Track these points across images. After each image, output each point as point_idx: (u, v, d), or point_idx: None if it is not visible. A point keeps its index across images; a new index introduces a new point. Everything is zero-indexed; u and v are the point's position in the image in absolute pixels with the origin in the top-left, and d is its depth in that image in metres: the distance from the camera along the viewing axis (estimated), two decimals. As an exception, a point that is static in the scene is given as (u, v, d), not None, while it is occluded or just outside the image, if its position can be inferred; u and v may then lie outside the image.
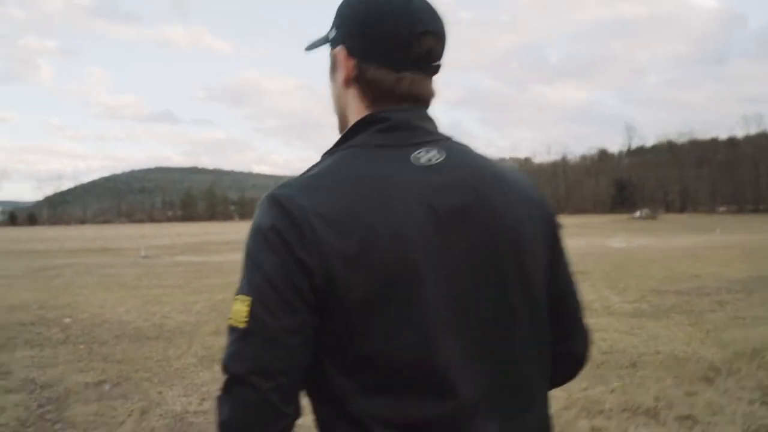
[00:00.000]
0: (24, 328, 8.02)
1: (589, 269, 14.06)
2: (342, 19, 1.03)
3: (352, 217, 0.87)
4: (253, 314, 0.86)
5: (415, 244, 0.88)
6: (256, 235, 0.90)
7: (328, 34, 1.06)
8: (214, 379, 5.45)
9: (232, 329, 0.88)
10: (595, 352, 6.07)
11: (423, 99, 1.02)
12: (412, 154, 0.94)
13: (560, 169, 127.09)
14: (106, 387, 5.31)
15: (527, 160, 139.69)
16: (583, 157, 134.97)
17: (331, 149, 1.00)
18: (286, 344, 0.86)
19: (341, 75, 1.01)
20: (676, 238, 31.75)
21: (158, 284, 13.11)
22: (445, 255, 0.91)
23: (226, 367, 0.87)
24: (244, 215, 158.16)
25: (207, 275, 15.01)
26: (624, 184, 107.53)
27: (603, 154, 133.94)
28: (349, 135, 0.99)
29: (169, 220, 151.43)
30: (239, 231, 63.41)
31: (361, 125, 0.98)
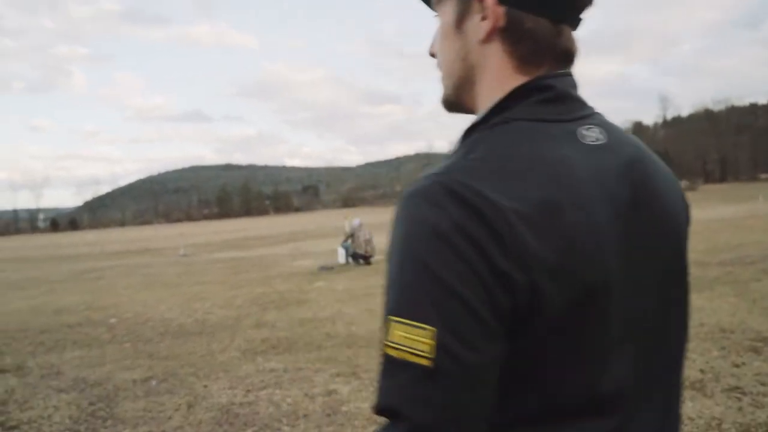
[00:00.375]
0: (71, 330, 8.25)
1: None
2: None
3: (551, 213, 0.68)
4: (442, 347, 0.64)
5: (610, 247, 0.72)
6: (430, 237, 0.66)
7: None
8: (257, 371, 5.54)
9: (405, 365, 0.65)
10: (637, 328, 5.99)
11: (573, 59, 0.82)
12: (578, 131, 0.77)
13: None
14: (153, 383, 5.43)
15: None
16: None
17: (478, 123, 0.79)
18: (487, 382, 0.67)
19: (483, 26, 0.78)
20: (716, 208, 30.99)
21: (198, 281, 13.34)
22: (629, 259, 0.74)
23: (400, 414, 0.65)
24: (278, 209, 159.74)
25: (246, 270, 15.22)
26: (660, 156, 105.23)
27: (638, 127, 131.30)
28: (504, 105, 0.77)
29: (206, 218, 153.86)
30: (275, 225, 64.13)
31: (521, 93, 0.77)
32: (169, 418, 4.48)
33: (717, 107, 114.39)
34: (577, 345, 0.71)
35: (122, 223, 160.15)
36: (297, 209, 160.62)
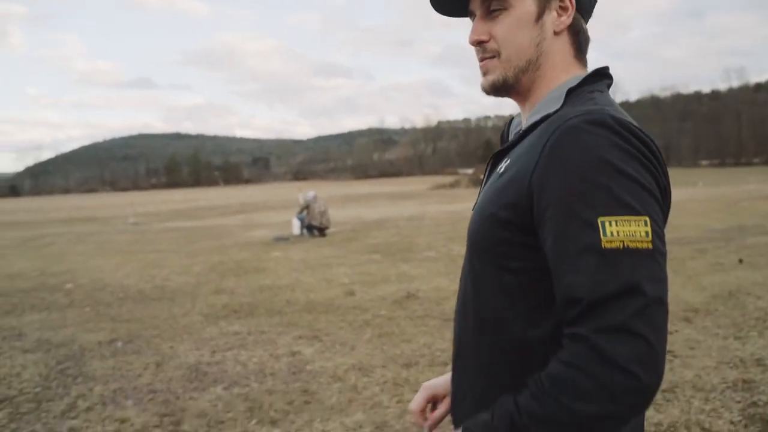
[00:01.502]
0: (27, 294, 8.23)
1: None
2: None
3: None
4: (654, 231, 0.83)
5: None
6: (626, 152, 0.86)
7: None
8: (221, 334, 5.73)
9: (628, 251, 0.81)
10: (581, 299, 6.40)
11: None
12: None
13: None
14: (119, 344, 5.56)
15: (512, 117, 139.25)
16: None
17: (577, 89, 1.01)
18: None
19: (563, 20, 1.02)
20: (659, 191, 32.19)
21: (153, 249, 13.31)
22: None
23: (639, 288, 0.80)
24: (228, 180, 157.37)
25: (200, 239, 15.22)
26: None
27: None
28: (589, 80, 1.03)
29: (154, 187, 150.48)
30: (225, 196, 63.35)
31: (597, 76, 1.04)
32: (139, 375, 4.64)
33: (663, 94, 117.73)
34: None
35: (66, 191, 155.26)
36: (247, 181, 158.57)
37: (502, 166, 1.01)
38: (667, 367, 4.09)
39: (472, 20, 1.07)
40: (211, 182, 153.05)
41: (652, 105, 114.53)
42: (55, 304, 7.49)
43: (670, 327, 5.08)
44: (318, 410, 3.79)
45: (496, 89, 1.06)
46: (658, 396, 3.69)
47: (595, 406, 0.80)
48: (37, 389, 4.42)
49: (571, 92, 0.99)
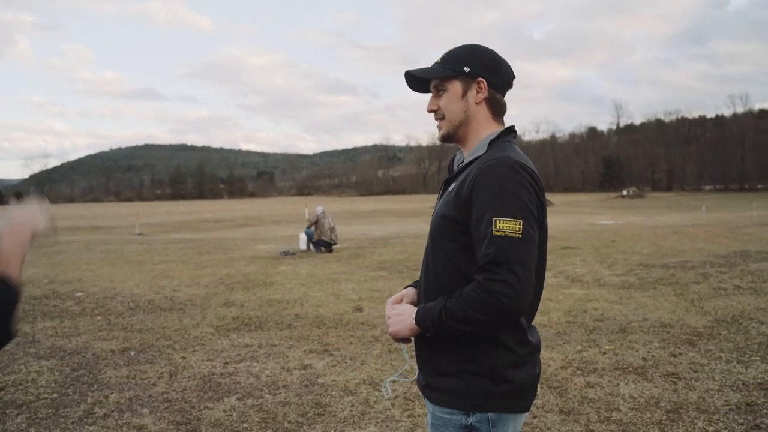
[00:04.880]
0: (38, 302, 8.33)
1: (580, 245, 14.51)
2: (477, 62, 1.69)
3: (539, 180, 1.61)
4: (525, 229, 1.48)
5: None
6: (517, 182, 1.52)
7: (457, 67, 1.70)
8: (232, 346, 5.83)
9: (508, 238, 1.47)
10: (587, 319, 6.50)
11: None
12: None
13: (549, 147, 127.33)
14: (132, 353, 5.66)
15: (516, 138, 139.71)
16: (572, 135, 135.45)
17: (496, 140, 1.67)
18: (536, 248, 1.54)
19: (480, 95, 1.69)
20: (662, 215, 32.31)
21: (162, 260, 13.43)
22: None
23: (509, 257, 1.46)
24: (232, 193, 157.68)
25: (207, 251, 15.33)
26: (612, 163, 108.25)
27: (592, 132, 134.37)
28: (503, 134, 1.70)
29: (158, 198, 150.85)
30: (229, 209, 63.69)
31: (509, 130, 1.72)
32: (154, 384, 4.74)
33: (668, 118, 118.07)
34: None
35: (71, 199, 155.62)
36: (251, 194, 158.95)
37: (451, 188, 1.67)
38: (671, 388, 4.19)
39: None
40: (216, 195, 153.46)
41: (656, 129, 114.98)
42: (67, 312, 7.60)
43: (673, 350, 5.20)
44: (331, 422, 3.89)
45: (445, 139, 1.76)
46: (663, 417, 3.79)
47: (477, 313, 1.47)
48: (54, 395, 4.52)
49: (492, 142, 1.66)
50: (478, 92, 1.68)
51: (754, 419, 3.72)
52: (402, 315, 1.67)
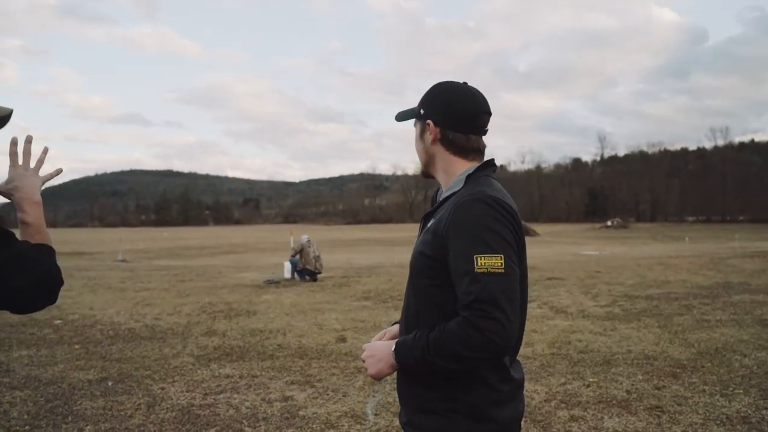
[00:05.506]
0: (15, 329, 8.16)
1: (564, 275, 14.54)
2: (430, 103, 1.74)
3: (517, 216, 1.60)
4: (507, 264, 1.47)
5: None
6: (494, 217, 1.51)
7: (417, 108, 1.77)
8: (213, 376, 5.73)
9: (491, 274, 1.45)
10: (571, 351, 6.47)
11: (484, 150, 1.77)
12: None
13: (534, 177, 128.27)
14: (109, 383, 5.54)
15: (503, 168, 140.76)
16: (557, 166, 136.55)
17: (473, 174, 1.66)
18: (518, 282, 1.52)
19: (431, 137, 1.72)
20: (646, 246, 32.52)
21: (144, 287, 13.26)
22: None
23: (494, 294, 1.43)
24: (218, 220, 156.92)
25: (190, 279, 15.18)
26: (596, 193, 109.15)
27: (577, 163, 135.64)
28: (481, 168, 1.69)
29: (143, 224, 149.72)
30: (214, 236, 63.24)
31: (487, 164, 1.72)
32: (130, 416, 4.63)
33: (651, 150, 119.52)
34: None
35: (54, 224, 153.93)
36: (237, 221, 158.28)
37: (430, 223, 1.67)
38: (655, 422, 4.15)
39: None
40: (201, 221, 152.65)
41: (640, 160, 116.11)
42: (44, 340, 7.45)
43: (657, 383, 5.18)
44: (311, 456, 3.81)
45: (423, 174, 1.83)
46: (647, 452, 3.75)
47: (465, 350, 1.43)
48: (26, 428, 4.40)
49: (469, 177, 1.65)
50: (429, 134, 1.72)
51: (737, 454, 3.69)
52: (376, 355, 1.65)
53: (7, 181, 1.60)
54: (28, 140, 1.66)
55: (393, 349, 1.59)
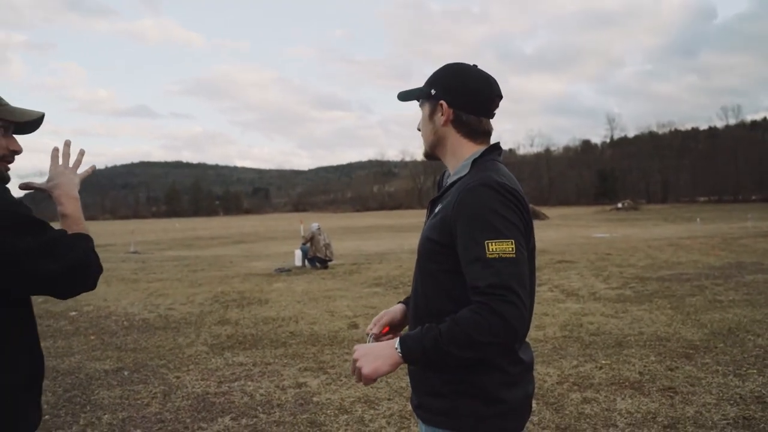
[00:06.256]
0: (32, 322, 8.25)
1: (575, 258, 14.51)
2: (443, 84, 1.70)
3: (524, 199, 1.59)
4: (518, 248, 1.46)
5: None
6: (501, 202, 1.49)
7: (427, 89, 1.73)
8: (227, 365, 5.79)
9: (502, 260, 1.44)
10: (583, 334, 6.48)
11: (491, 133, 1.76)
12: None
13: (543, 161, 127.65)
14: (125, 373, 5.62)
15: (512, 152, 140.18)
16: (567, 149, 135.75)
17: (480, 158, 1.65)
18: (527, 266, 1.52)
19: (443, 118, 1.69)
20: (657, 228, 32.36)
21: (156, 278, 13.36)
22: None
23: (506, 279, 1.42)
24: (228, 210, 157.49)
25: (202, 269, 15.27)
26: (606, 176, 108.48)
27: (586, 145, 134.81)
28: (487, 152, 1.67)
29: (154, 215, 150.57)
30: (225, 225, 63.47)
31: (493, 148, 1.70)
32: (147, 405, 4.69)
33: (661, 130, 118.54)
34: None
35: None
36: (247, 211, 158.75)
37: (437, 209, 1.67)
38: (668, 402, 4.16)
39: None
40: (211, 212, 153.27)
41: (650, 141, 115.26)
42: (61, 332, 7.54)
43: (670, 364, 5.18)
44: (326, 442, 3.85)
45: (426, 156, 1.81)
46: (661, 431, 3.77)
47: (485, 336, 1.40)
48: (46, 417, 4.46)
49: (476, 161, 1.64)
50: (441, 114, 1.68)
51: (751, 433, 3.70)
52: (372, 353, 1.53)
53: (49, 179, 1.75)
54: (67, 144, 1.83)
55: (397, 343, 1.50)
